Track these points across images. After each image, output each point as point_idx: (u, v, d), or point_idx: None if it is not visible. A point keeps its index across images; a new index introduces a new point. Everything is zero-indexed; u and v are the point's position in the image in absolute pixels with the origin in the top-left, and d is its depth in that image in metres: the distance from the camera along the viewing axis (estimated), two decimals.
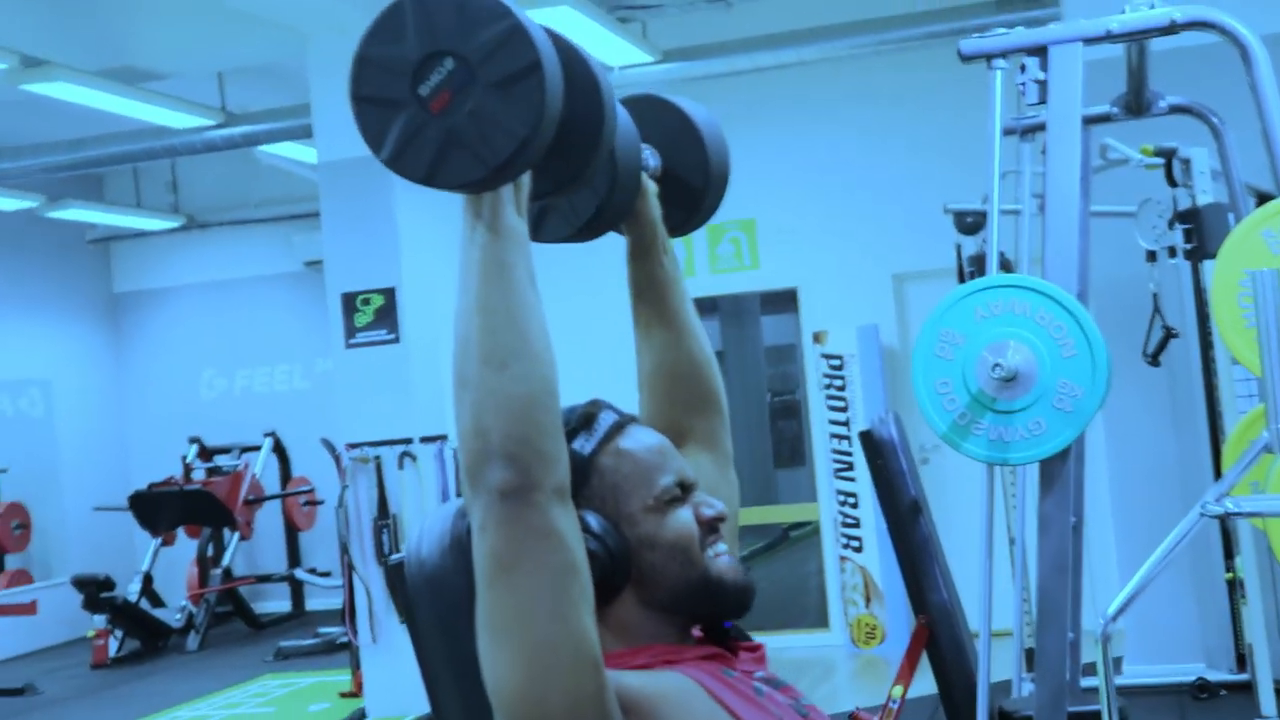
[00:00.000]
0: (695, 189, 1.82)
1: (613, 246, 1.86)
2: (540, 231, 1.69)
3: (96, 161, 8.29)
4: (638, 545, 1.51)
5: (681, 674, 1.47)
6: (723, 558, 1.55)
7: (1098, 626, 7.15)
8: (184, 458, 10.49)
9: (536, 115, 1.32)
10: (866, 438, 4.07)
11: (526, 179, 1.40)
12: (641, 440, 1.57)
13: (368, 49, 1.37)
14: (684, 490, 1.56)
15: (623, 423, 1.57)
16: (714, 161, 1.82)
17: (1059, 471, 3.43)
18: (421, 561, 1.50)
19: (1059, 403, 3.35)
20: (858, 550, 7.55)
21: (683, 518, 1.54)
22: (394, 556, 1.60)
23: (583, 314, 7.80)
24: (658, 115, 1.81)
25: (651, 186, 1.75)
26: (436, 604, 1.47)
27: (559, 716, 1.34)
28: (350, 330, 7.00)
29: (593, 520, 1.50)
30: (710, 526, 1.55)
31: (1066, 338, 3.36)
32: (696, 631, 1.60)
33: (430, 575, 1.48)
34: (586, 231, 1.69)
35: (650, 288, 1.77)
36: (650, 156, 1.78)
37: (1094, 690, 4.84)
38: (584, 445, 1.54)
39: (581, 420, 1.56)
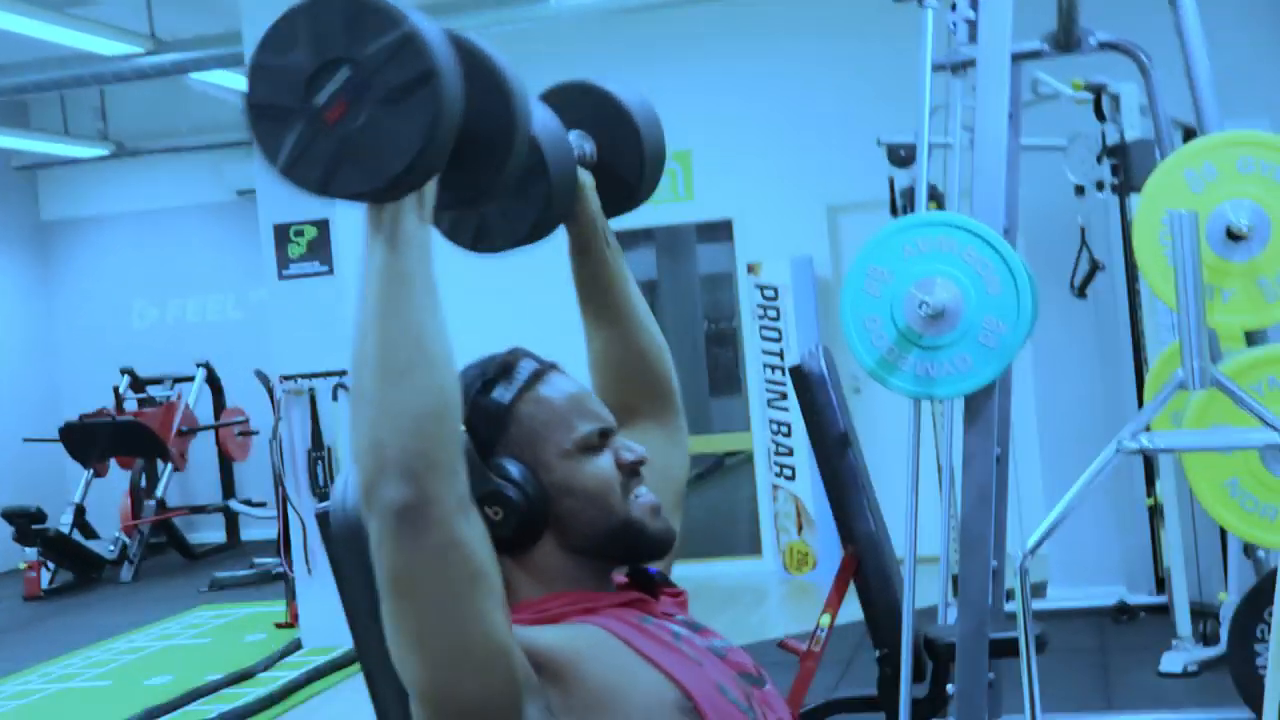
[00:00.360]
0: (631, 174, 1.78)
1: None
2: (480, 243, 1.67)
3: (21, 89, 8.13)
4: (555, 492, 1.53)
5: (595, 625, 1.49)
6: (643, 499, 1.57)
7: (1023, 547, 7.28)
8: (116, 388, 10.40)
9: (430, 127, 1.29)
10: (796, 372, 4.12)
11: (431, 185, 1.37)
12: (560, 388, 1.58)
13: (261, 57, 1.34)
14: (603, 437, 1.57)
15: (542, 370, 1.58)
16: (649, 145, 1.78)
17: (983, 406, 3.50)
18: (346, 511, 1.52)
19: (984, 339, 3.41)
20: (790, 479, 7.65)
21: (600, 464, 1.55)
22: (319, 506, 1.61)
23: (532, 288, 7.82)
24: (588, 102, 1.78)
25: (588, 179, 1.72)
26: (361, 553, 1.49)
27: (472, 704, 1.35)
28: (283, 262, 6.95)
29: (512, 467, 1.52)
30: (630, 470, 1.56)
31: (992, 275, 3.41)
32: (620, 578, 1.63)
33: (355, 525, 1.50)
34: (527, 241, 1.67)
35: (595, 281, 1.76)
36: (584, 143, 1.75)
37: (1009, 615, 4.96)
38: (503, 394, 1.55)
39: (500, 369, 1.57)
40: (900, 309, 3.47)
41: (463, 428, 1.38)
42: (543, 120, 1.64)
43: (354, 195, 1.32)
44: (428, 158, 1.31)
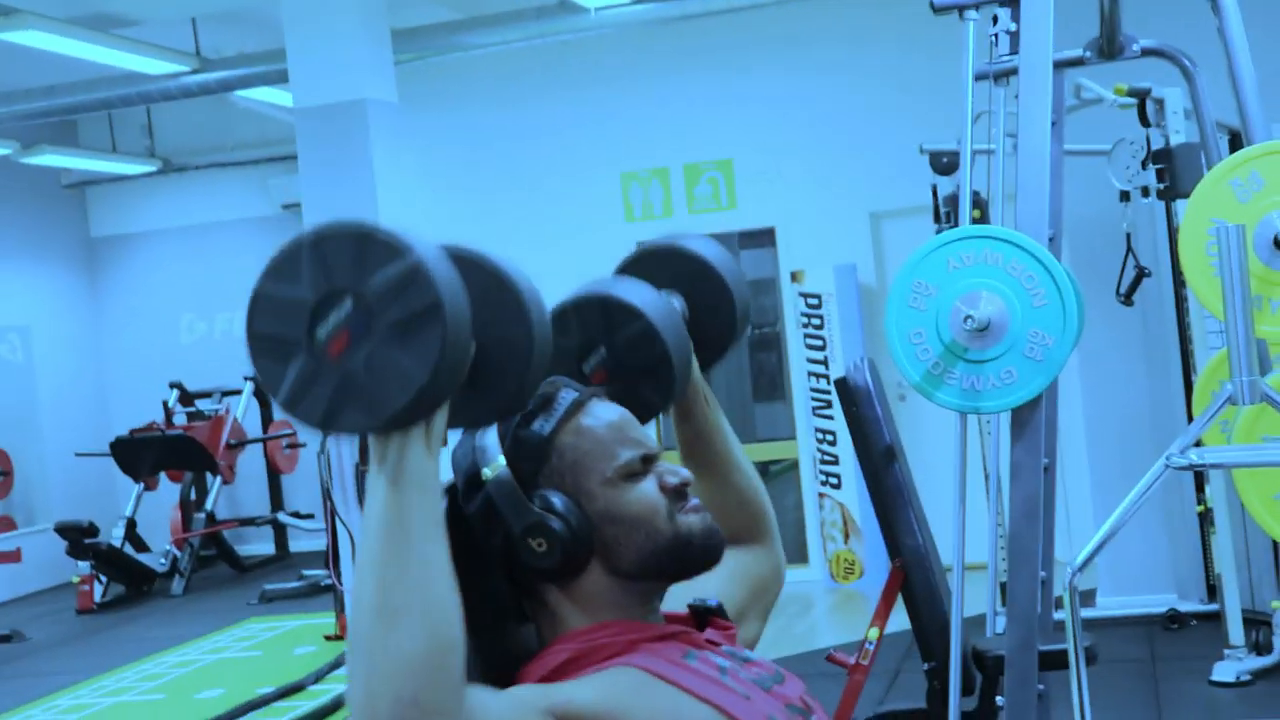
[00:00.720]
0: (723, 329, 1.83)
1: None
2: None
3: (70, 109, 8.23)
4: (600, 520, 1.53)
5: (636, 668, 1.49)
6: (691, 515, 1.57)
7: (1071, 561, 7.24)
8: (165, 402, 10.51)
9: (434, 361, 1.26)
10: (841, 385, 4.12)
11: (440, 416, 1.34)
12: (601, 416, 1.58)
13: (264, 286, 1.31)
14: (645, 463, 1.58)
15: (582, 400, 1.59)
16: (738, 299, 1.82)
17: (1030, 419, 3.48)
18: None
19: (1030, 352, 3.40)
20: (836, 487, 7.63)
21: (644, 490, 1.56)
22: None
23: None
24: (677, 262, 1.81)
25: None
26: None
27: None
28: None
29: (556, 500, 1.52)
30: (677, 493, 1.58)
31: (1038, 287, 3.40)
32: (678, 611, 1.64)
33: None
34: (649, 415, 1.71)
35: (698, 439, 1.81)
36: (674, 300, 1.79)
37: (1059, 625, 4.93)
38: (543, 426, 1.56)
39: (540, 401, 1.57)
40: (945, 323, 3.45)
41: (464, 671, 1.32)
42: (657, 307, 1.69)
43: (354, 432, 1.30)
44: (432, 393, 1.28)
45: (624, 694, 1.45)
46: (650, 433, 1.63)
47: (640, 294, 1.70)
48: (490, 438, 1.55)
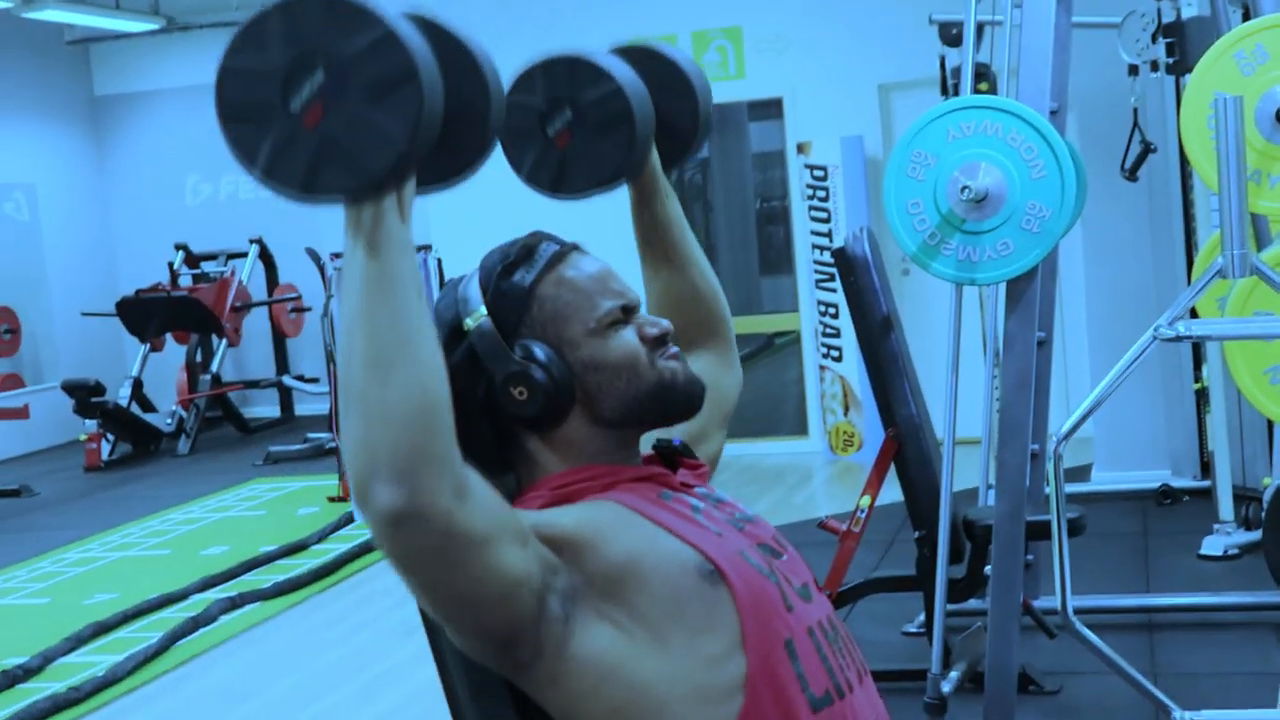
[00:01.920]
0: (685, 132, 1.86)
1: None
2: (560, 189, 1.74)
3: None
4: (582, 369, 1.56)
5: (613, 502, 1.53)
6: (672, 361, 1.60)
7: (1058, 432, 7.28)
8: (170, 264, 10.52)
9: (413, 125, 1.26)
10: (839, 255, 4.13)
11: (411, 185, 1.36)
12: (582, 268, 1.60)
13: (232, 60, 1.29)
14: (626, 312, 1.60)
15: (563, 252, 1.61)
16: (702, 109, 1.86)
17: (1025, 291, 3.49)
18: None
19: (1027, 224, 3.40)
20: (837, 360, 7.66)
21: (626, 338, 1.58)
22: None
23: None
24: (647, 63, 1.82)
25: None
26: None
27: (496, 625, 1.40)
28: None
29: (537, 349, 1.55)
30: (657, 341, 1.60)
31: (1037, 159, 3.39)
32: (645, 450, 1.67)
33: None
34: (607, 186, 1.74)
35: (655, 230, 1.82)
36: None
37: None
38: (524, 276, 1.58)
39: (522, 252, 1.59)
40: (943, 193, 3.46)
41: (453, 424, 1.34)
42: (628, 77, 1.70)
43: (335, 195, 1.29)
44: (410, 156, 1.28)
45: (602, 523, 1.49)
46: (631, 288, 1.65)
47: (609, 60, 1.72)
48: (472, 288, 1.58)
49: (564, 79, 1.72)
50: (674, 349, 1.62)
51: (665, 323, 1.62)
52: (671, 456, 1.67)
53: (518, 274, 1.58)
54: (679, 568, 1.47)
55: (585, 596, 1.46)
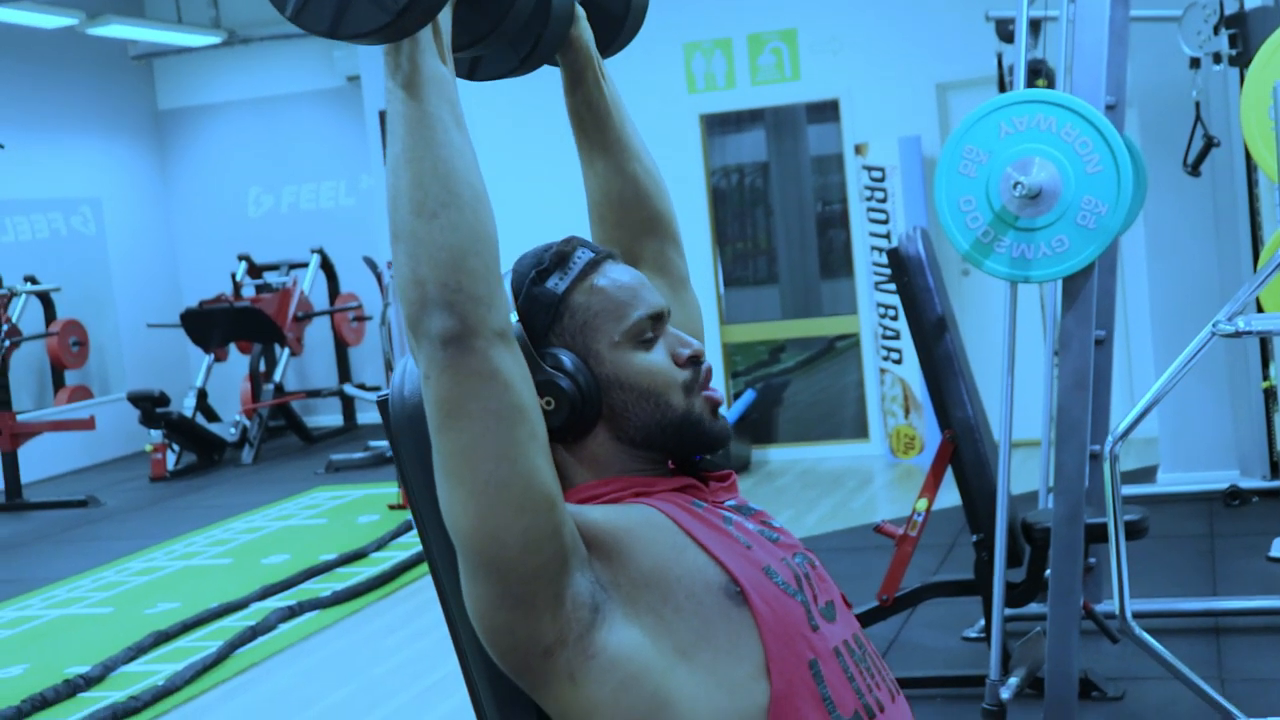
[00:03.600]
0: (615, 14, 1.77)
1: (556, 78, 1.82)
2: (476, 72, 1.66)
3: None
4: (607, 384, 1.53)
5: (649, 506, 1.50)
6: (706, 396, 1.56)
7: (1135, 435, 7.19)
8: (233, 275, 10.62)
9: None
10: (893, 255, 4.08)
11: (446, 21, 1.39)
12: (615, 277, 1.56)
13: None
14: (655, 324, 1.56)
15: (598, 260, 1.57)
16: None
17: (1081, 288, 3.42)
18: (403, 399, 1.53)
19: (1082, 220, 3.33)
20: (898, 362, 7.59)
21: (653, 360, 1.54)
22: (379, 393, 1.65)
23: (535, 147, 7.80)
24: None
25: (580, 11, 1.70)
26: (416, 437, 1.50)
27: (515, 552, 1.36)
28: (386, 150, 6.99)
29: (565, 358, 1.52)
30: (694, 363, 1.56)
31: (1092, 154, 3.32)
32: (670, 463, 1.63)
33: (411, 412, 1.51)
34: (523, 67, 1.65)
35: (589, 114, 1.73)
36: None
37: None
38: (558, 284, 1.54)
39: (556, 259, 1.56)
40: (996, 190, 3.39)
41: (498, 262, 1.40)
42: None
43: (365, 33, 1.31)
44: None
45: (633, 525, 1.46)
46: (662, 298, 1.60)
47: None
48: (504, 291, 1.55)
49: None
50: (714, 393, 1.58)
51: (696, 343, 1.58)
52: (696, 469, 1.63)
53: (551, 280, 1.55)
54: (705, 585, 1.44)
55: (614, 596, 1.43)
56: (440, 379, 1.35)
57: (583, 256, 1.57)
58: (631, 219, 1.74)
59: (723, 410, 1.60)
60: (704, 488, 1.58)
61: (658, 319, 1.56)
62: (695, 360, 1.56)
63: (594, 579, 1.42)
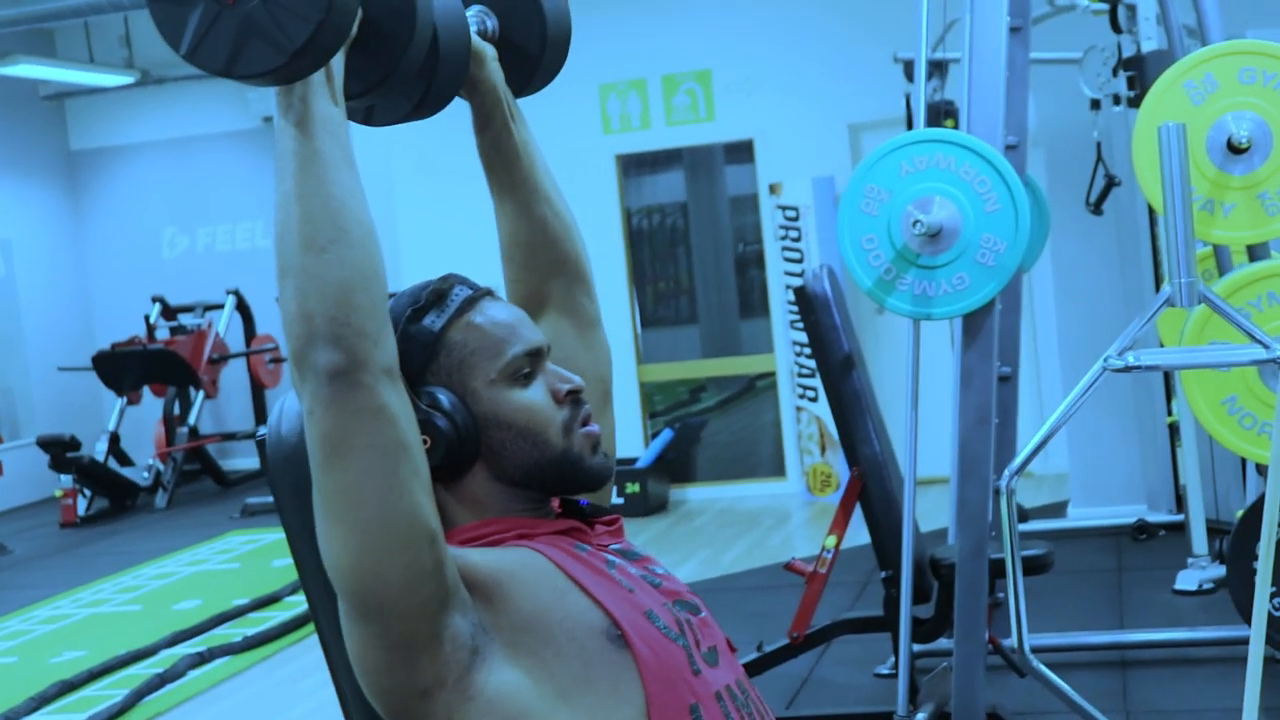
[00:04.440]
0: (531, 54, 1.76)
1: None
2: (372, 118, 1.65)
3: (43, 16, 8.13)
4: (485, 422, 1.52)
5: (530, 549, 1.49)
6: (585, 432, 1.55)
7: (1047, 471, 7.22)
8: (147, 317, 10.47)
9: None
10: (800, 293, 4.11)
11: (339, 65, 1.40)
12: (492, 315, 1.56)
13: None
14: (533, 360, 1.55)
15: (476, 297, 1.56)
16: (551, 24, 1.77)
17: (982, 325, 3.46)
18: (280, 438, 1.52)
19: (981, 258, 3.37)
20: (813, 400, 7.63)
21: (530, 396, 1.53)
22: (259, 432, 1.63)
23: (450, 187, 7.82)
24: None
25: (489, 50, 1.70)
26: (294, 478, 1.49)
27: (395, 590, 1.35)
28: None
29: (442, 396, 1.50)
30: (573, 401, 1.55)
31: (990, 192, 3.37)
32: (556, 504, 1.62)
33: (288, 452, 1.50)
34: (421, 111, 1.64)
35: (498, 155, 1.72)
36: (486, 17, 1.74)
37: (1027, 535, 4.94)
38: (434, 321, 1.54)
39: (433, 296, 1.55)
40: (897, 228, 3.43)
41: (388, 299, 1.42)
42: None
43: (260, 74, 1.32)
44: (328, 28, 1.31)
45: (514, 568, 1.45)
46: (541, 334, 1.59)
47: None
48: None
49: None
50: (593, 428, 1.56)
51: (577, 380, 1.57)
52: (581, 513, 1.63)
53: (428, 318, 1.54)
54: (586, 629, 1.43)
55: (494, 639, 1.42)
56: (325, 414, 1.34)
57: (460, 294, 1.57)
58: (539, 260, 1.73)
59: (600, 449, 1.58)
60: (589, 531, 1.58)
61: (535, 355, 1.55)
62: (575, 396, 1.56)
63: (474, 621, 1.41)
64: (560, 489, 1.57)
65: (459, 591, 1.40)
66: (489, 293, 1.59)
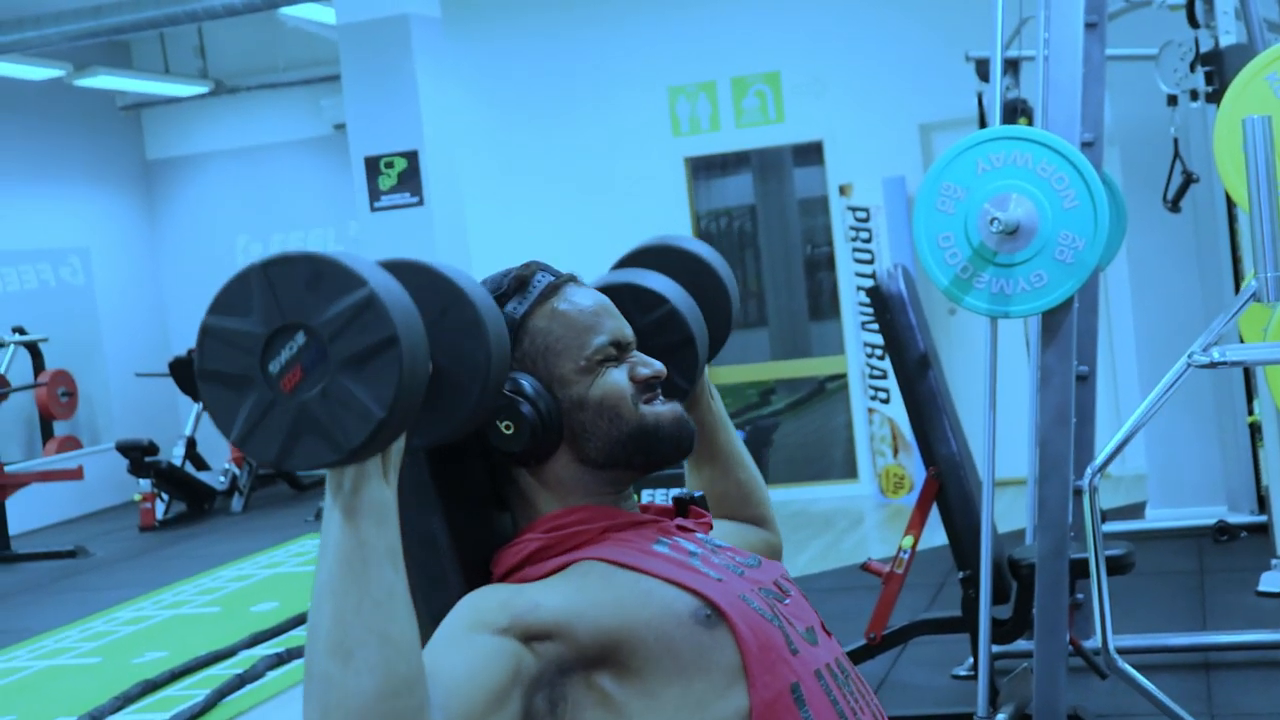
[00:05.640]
0: (721, 329, 1.83)
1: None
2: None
3: (119, 28, 8.25)
4: (569, 406, 1.53)
5: (598, 560, 1.48)
6: (658, 406, 1.56)
7: (1124, 472, 7.14)
8: None
9: (392, 395, 1.22)
10: (874, 294, 4.09)
11: (399, 445, 1.30)
12: (576, 301, 1.57)
13: (213, 321, 1.27)
14: (619, 349, 1.56)
15: (559, 284, 1.58)
16: (732, 295, 1.84)
17: (1061, 323, 3.43)
18: None
19: (1060, 255, 3.35)
20: (885, 402, 7.59)
21: (613, 377, 1.55)
22: None
23: (520, 187, 7.83)
24: (674, 260, 1.81)
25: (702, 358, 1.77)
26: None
27: None
28: (374, 194, 7.02)
29: (525, 382, 1.52)
30: (646, 384, 1.56)
31: (1068, 189, 3.34)
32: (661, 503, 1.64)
33: None
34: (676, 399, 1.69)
35: (704, 430, 1.78)
36: None
37: (1105, 536, 4.89)
38: (516, 308, 1.55)
39: (515, 283, 1.57)
40: (974, 226, 3.41)
41: (426, 708, 1.27)
42: (679, 295, 1.70)
43: (312, 467, 1.26)
44: (390, 427, 1.23)
45: (589, 592, 1.44)
46: (626, 323, 1.61)
47: (660, 281, 1.71)
48: None
49: (624, 304, 1.66)
50: (666, 404, 1.57)
51: (658, 365, 1.58)
52: (685, 505, 1.65)
53: (510, 305, 1.56)
54: (673, 618, 1.43)
55: (574, 668, 1.41)
56: None
57: (542, 280, 1.58)
58: (736, 515, 1.83)
59: (683, 420, 1.59)
60: (666, 521, 1.59)
61: (622, 346, 1.57)
62: (652, 380, 1.57)
63: (547, 679, 1.40)
64: (643, 461, 1.57)
65: (521, 674, 1.37)
66: (572, 278, 1.61)
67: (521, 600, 1.41)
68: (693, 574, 1.48)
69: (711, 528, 1.64)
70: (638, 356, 1.58)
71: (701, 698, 1.41)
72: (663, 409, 1.57)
